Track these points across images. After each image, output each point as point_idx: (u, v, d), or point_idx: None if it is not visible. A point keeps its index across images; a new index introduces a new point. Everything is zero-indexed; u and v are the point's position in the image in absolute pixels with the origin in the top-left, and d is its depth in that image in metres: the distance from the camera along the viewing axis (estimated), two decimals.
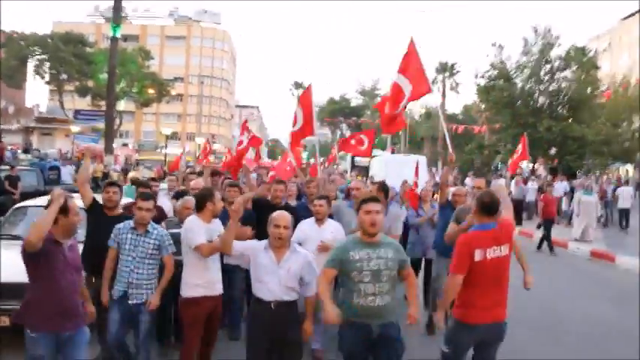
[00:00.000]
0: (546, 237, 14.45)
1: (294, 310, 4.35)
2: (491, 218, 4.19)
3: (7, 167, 15.29)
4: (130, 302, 4.92)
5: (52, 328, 4.07)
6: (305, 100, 9.13)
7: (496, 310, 4.16)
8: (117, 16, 22.88)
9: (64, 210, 4.07)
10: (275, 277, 4.24)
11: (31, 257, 3.94)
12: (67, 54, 43.28)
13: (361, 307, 4.01)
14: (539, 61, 28.83)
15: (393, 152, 34.72)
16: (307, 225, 5.92)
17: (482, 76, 29.88)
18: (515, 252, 5.66)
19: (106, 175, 20.15)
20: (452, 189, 6.87)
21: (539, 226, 16.63)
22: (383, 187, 6.89)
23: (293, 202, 7.45)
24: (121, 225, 5.12)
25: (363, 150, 10.67)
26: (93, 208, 5.65)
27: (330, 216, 6.21)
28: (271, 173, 11.03)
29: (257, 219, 6.21)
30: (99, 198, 5.76)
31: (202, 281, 4.84)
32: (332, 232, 5.88)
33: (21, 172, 15.19)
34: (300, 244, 5.36)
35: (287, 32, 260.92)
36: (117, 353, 4.97)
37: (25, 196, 11.81)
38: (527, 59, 29.37)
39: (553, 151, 28.14)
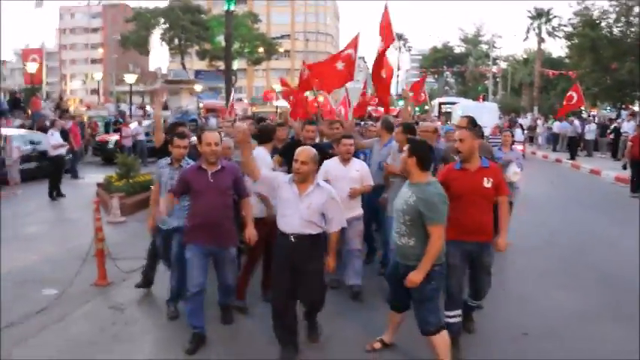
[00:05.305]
0: (635, 178, 13.54)
1: (315, 242, 4.28)
2: None
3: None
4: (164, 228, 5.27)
5: (195, 239, 4.55)
6: (352, 46, 9.04)
7: None
8: None
9: (200, 140, 4.55)
10: (296, 210, 4.21)
11: (180, 182, 4.60)
12: (186, 22, 47.61)
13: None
14: (627, 4, 28.08)
15: (482, 100, 36.44)
16: (333, 164, 5.88)
17: (566, 25, 30.17)
18: None
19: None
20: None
21: (624, 167, 16.49)
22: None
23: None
24: (160, 161, 5.42)
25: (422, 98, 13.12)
26: (161, 150, 5.75)
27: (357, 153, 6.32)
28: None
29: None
30: None
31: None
32: (357, 169, 5.87)
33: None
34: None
35: None
36: None
37: None
38: (616, 3, 28.59)
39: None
